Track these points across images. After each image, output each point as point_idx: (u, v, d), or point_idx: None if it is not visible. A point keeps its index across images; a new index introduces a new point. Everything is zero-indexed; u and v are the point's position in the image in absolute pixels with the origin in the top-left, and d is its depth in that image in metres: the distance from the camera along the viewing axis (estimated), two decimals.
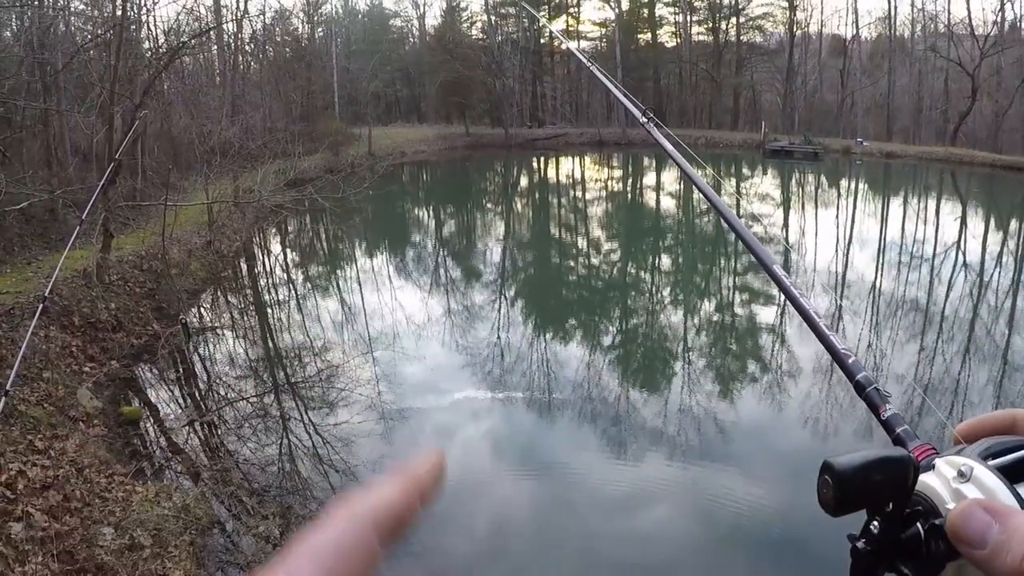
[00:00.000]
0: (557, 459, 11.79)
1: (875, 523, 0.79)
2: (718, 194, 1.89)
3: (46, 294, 9.70)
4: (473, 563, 9.12)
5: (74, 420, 11.33)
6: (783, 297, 1.52)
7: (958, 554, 0.73)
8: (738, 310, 21.45)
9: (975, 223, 34.73)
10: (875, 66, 71.75)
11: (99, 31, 25.66)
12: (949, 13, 63.27)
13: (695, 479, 11.32)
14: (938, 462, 0.81)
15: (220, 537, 9.30)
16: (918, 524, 0.79)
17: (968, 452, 0.82)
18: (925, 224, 34.66)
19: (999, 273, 24.92)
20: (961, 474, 0.77)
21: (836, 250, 28.92)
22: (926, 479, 0.80)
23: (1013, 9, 60.11)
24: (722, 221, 1.82)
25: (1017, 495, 0.74)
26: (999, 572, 0.68)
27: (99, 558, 7.46)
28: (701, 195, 1.94)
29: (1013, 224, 35.08)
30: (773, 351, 17.47)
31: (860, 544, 0.80)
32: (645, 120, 2.38)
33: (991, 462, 0.79)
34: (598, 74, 2.77)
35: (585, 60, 3.37)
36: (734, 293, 23.41)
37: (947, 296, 21.62)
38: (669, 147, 2.15)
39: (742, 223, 1.73)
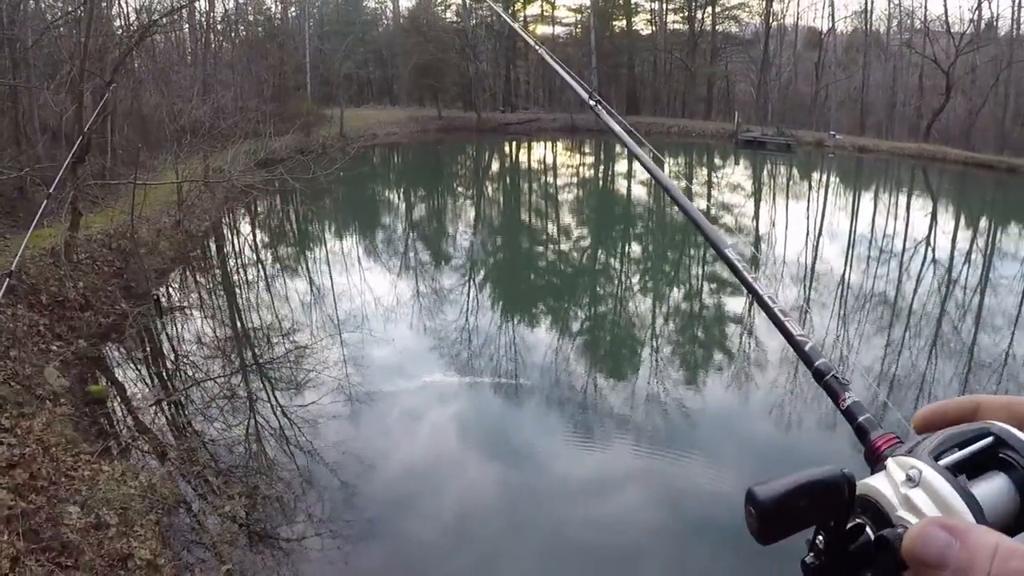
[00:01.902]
0: (524, 444, 11.84)
1: (820, 537, 0.78)
2: (663, 172, 1.85)
3: (11, 269, 9.63)
4: (439, 548, 9.18)
5: (41, 399, 11.27)
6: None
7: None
8: (707, 299, 21.60)
9: (945, 220, 35.08)
10: (850, 60, 72.19)
11: (69, 8, 25.39)
12: (926, 9, 64.14)
13: (661, 465, 11.43)
14: (889, 462, 0.79)
15: (186, 516, 9.30)
16: (868, 531, 0.76)
17: (921, 450, 0.79)
18: (895, 219, 34.99)
19: (967, 270, 25.29)
20: (910, 479, 0.76)
21: (805, 242, 29.14)
22: (874, 482, 0.78)
23: (990, 7, 60.75)
24: (672, 203, 1.76)
25: (970, 497, 0.73)
26: None
27: (65, 536, 7.46)
28: (652, 179, 1.92)
29: (983, 222, 35.50)
30: (741, 340, 17.64)
31: (808, 559, 0.80)
32: (593, 103, 2.31)
33: (945, 459, 0.77)
34: (544, 54, 2.72)
35: (531, 40, 3.33)
36: (703, 282, 23.55)
37: (915, 291, 21.91)
38: (616, 127, 2.11)
39: (693, 206, 1.67)
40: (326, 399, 12.99)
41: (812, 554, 0.78)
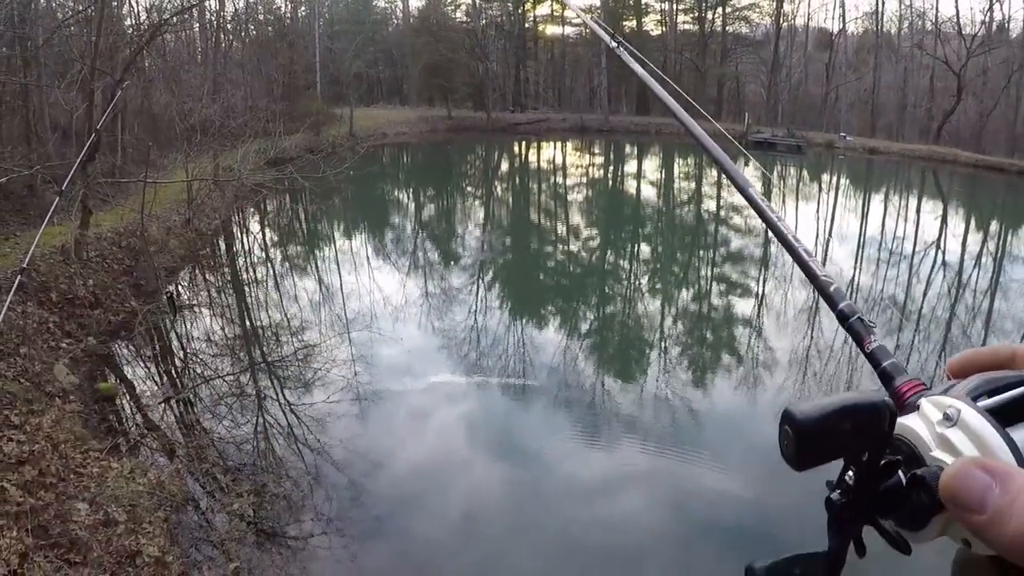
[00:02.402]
0: (531, 444, 11.83)
1: (851, 473, 0.75)
2: (679, 107, 1.81)
3: (23, 266, 9.67)
4: (446, 547, 9.17)
5: (50, 396, 11.30)
6: (764, 227, 1.46)
7: (944, 507, 0.67)
8: (716, 300, 21.57)
9: (956, 223, 34.96)
10: (861, 61, 71.95)
11: (80, 7, 25.43)
12: (937, 11, 63.72)
13: (669, 466, 11.41)
14: (923, 402, 0.75)
15: (194, 514, 9.32)
16: (899, 473, 0.72)
17: (957, 391, 0.75)
18: (906, 221, 34.87)
19: (977, 273, 25.16)
20: (947, 417, 0.71)
21: (815, 242, 29.04)
22: (908, 422, 0.74)
23: (1001, 9, 60.38)
24: (697, 144, 1.79)
25: (1010, 440, 0.69)
26: (1000, 539, 0.63)
27: (73, 533, 7.48)
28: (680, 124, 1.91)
29: (994, 225, 35.36)
30: (750, 341, 17.60)
31: (835, 496, 0.75)
32: (615, 44, 2.36)
33: (983, 402, 0.72)
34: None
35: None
36: (712, 283, 23.53)
37: (925, 293, 21.83)
38: (637, 68, 2.10)
39: (718, 148, 1.67)
40: (334, 398, 13.01)
41: (839, 492, 0.74)
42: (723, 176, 1.54)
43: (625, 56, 2.20)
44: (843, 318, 1.10)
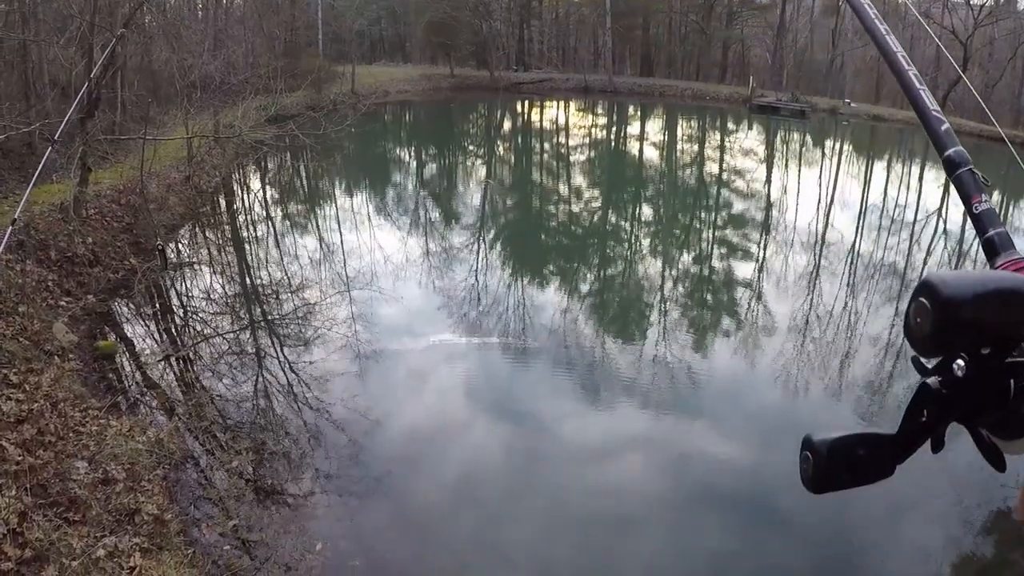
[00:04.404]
0: (531, 406, 11.87)
1: (960, 363, 0.65)
2: None
3: (16, 216, 9.61)
4: (444, 507, 9.22)
5: (49, 354, 11.30)
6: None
7: None
8: (718, 263, 21.53)
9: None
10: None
11: None
12: None
13: (669, 429, 11.45)
14: None
15: (193, 472, 9.35)
16: (1011, 381, 0.66)
17: None
18: (908, 189, 34.72)
19: (977, 244, 25.05)
20: None
21: (817, 208, 28.95)
22: None
23: None
24: None
25: None
26: None
27: (72, 491, 7.50)
28: None
29: (995, 196, 35.20)
30: (751, 307, 17.58)
31: (932, 382, 0.66)
32: None
33: None
34: None
35: None
36: (714, 246, 23.48)
37: (925, 261, 21.78)
38: None
39: None
40: (334, 356, 13.04)
41: (939, 379, 0.67)
42: None
43: None
44: (951, 167, 0.98)
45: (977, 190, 0.90)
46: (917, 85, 0.96)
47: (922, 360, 0.67)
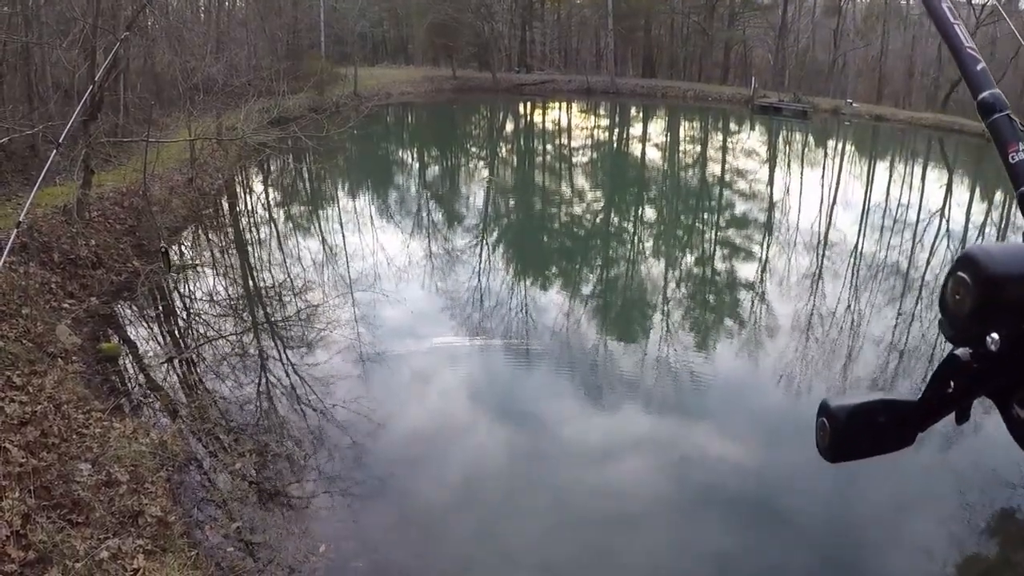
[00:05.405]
0: (533, 409, 11.85)
1: (994, 336, 0.62)
2: None
3: (20, 219, 9.62)
4: (447, 509, 9.21)
5: (52, 356, 11.32)
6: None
7: None
8: (720, 264, 21.49)
9: (960, 191, 34.74)
10: (869, 28, 71.12)
11: None
12: None
13: (671, 430, 11.45)
14: None
15: (196, 474, 9.36)
16: None
17: None
18: (911, 190, 34.64)
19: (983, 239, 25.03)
20: None
21: (819, 208, 28.91)
22: None
23: None
24: None
25: None
26: None
27: (76, 494, 7.50)
28: None
29: (998, 196, 35.11)
30: (754, 308, 17.55)
31: (961, 353, 0.64)
32: None
33: None
34: None
35: None
36: (717, 247, 23.45)
37: (928, 261, 21.74)
38: None
39: None
40: (337, 358, 13.04)
41: (972, 352, 0.64)
42: None
43: None
44: (986, 111, 0.90)
45: (1015, 138, 0.85)
46: (951, 19, 0.85)
47: (944, 324, 0.65)
